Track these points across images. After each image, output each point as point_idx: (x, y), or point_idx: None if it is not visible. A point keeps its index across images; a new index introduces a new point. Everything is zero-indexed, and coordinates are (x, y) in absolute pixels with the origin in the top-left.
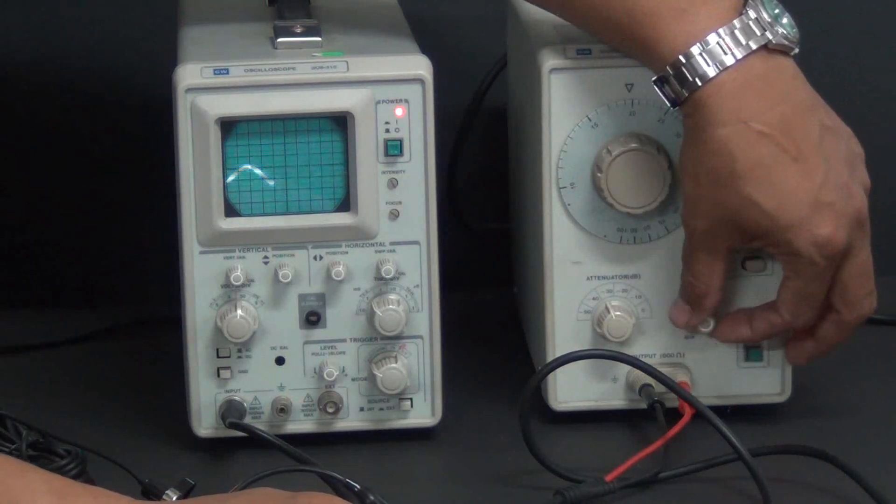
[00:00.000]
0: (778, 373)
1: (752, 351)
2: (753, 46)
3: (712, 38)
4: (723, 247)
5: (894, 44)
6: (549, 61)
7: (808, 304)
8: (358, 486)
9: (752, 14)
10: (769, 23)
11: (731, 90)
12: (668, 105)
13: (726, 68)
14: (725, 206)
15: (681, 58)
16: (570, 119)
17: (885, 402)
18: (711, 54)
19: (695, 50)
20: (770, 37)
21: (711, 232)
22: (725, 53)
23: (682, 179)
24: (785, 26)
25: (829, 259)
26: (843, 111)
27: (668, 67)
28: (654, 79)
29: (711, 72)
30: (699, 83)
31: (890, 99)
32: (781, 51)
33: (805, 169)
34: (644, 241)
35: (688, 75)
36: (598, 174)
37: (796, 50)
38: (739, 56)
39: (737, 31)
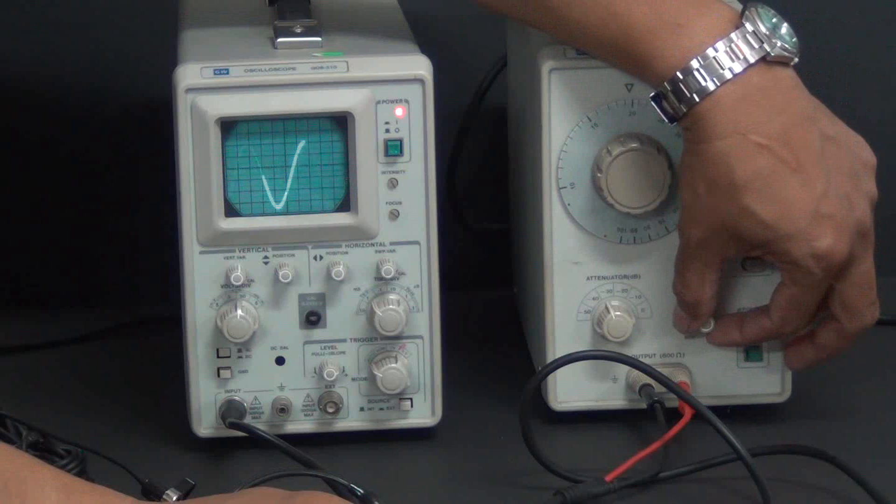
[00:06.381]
0: (778, 373)
1: (751, 351)
2: (752, 59)
3: (710, 53)
4: (717, 257)
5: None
6: (549, 61)
7: (800, 312)
8: (361, 491)
9: (749, 27)
10: (766, 35)
11: (729, 103)
12: (666, 121)
13: (725, 82)
14: (723, 216)
15: (678, 74)
16: (570, 119)
17: (885, 402)
18: (709, 69)
19: (693, 65)
20: (768, 49)
21: (707, 241)
22: (723, 68)
23: (681, 188)
24: (783, 37)
25: (827, 270)
26: (844, 113)
27: (665, 84)
28: (651, 95)
29: (710, 86)
30: (697, 98)
31: (889, 99)
32: (780, 62)
33: (804, 180)
34: (644, 241)
35: (685, 91)
36: (598, 174)
37: (796, 60)
38: (738, 70)
39: (734, 45)
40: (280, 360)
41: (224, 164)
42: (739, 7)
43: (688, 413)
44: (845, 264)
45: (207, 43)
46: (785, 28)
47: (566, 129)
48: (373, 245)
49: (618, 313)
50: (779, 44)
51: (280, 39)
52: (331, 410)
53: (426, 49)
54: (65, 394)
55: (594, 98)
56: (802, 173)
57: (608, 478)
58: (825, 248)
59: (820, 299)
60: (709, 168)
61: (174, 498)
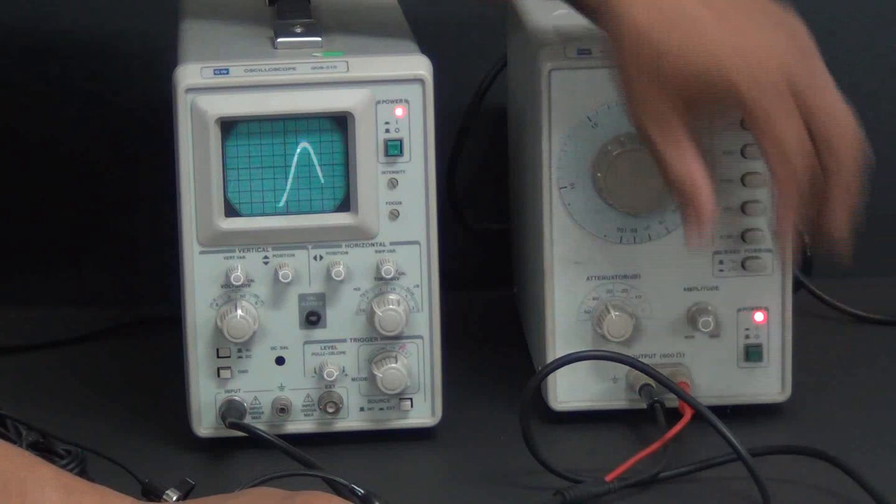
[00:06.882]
0: (778, 373)
1: (752, 351)
2: None
3: None
4: (680, 125)
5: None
6: (549, 61)
7: (793, 152)
8: (362, 491)
9: None
10: None
11: None
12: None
13: None
14: (662, 81)
15: None
16: (570, 119)
17: (885, 402)
18: None
19: None
20: None
21: (661, 116)
22: None
23: (617, 85)
24: None
25: (780, 94)
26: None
27: None
28: None
29: None
30: None
31: (889, 99)
32: None
33: (729, 23)
34: (644, 241)
35: None
36: (598, 174)
37: None
38: None
39: None
40: (280, 360)
41: (224, 164)
42: None
43: (688, 413)
44: (800, 82)
45: (207, 43)
46: None
47: (566, 129)
48: (373, 245)
49: (618, 313)
50: None
51: (280, 39)
52: (331, 410)
53: (426, 49)
54: (65, 394)
55: (594, 98)
56: (726, 19)
57: (608, 478)
58: (766, 68)
59: (798, 130)
60: (629, 39)
61: (174, 498)
